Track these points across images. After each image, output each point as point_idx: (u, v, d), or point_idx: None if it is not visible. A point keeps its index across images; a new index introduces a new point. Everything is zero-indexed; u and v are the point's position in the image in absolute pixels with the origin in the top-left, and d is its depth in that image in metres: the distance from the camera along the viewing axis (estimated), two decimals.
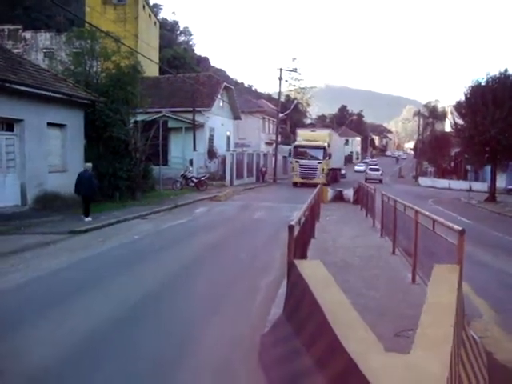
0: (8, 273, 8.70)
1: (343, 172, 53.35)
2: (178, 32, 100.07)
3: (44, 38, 53.51)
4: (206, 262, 10.14)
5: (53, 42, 51.29)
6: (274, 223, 15.31)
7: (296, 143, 40.32)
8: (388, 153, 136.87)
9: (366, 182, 50.95)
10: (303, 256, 7.96)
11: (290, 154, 41.27)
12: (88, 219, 14.92)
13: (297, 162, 38.34)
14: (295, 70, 62.21)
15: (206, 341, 5.66)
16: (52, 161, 18.38)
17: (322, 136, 40.37)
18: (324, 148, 38.19)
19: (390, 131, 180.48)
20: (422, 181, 58.40)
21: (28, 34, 54.09)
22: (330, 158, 38.72)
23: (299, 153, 38.70)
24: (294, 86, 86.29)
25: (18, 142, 16.64)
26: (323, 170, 37.74)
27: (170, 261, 10.07)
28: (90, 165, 16.25)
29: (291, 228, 5.35)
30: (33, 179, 17.04)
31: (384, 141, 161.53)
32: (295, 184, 38.20)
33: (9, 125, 16.39)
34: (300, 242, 7.44)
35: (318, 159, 37.92)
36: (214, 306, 6.94)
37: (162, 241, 12.53)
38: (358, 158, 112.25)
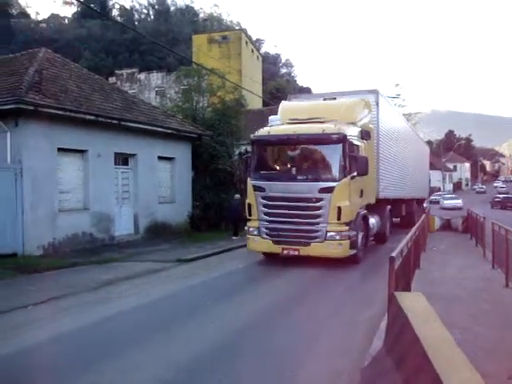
0: (122, 297, 9.38)
1: (425, 205, 29.38)
2: (281, 64, 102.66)
3: (156, 78, 57.78)
4: (309, 291, 10.10)
5: (163, 81, 55.18)
6: (376, 253, 14.89)
7: (259, 133, 13.32)
8: (501, 178, 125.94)
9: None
10: (407, 288, 7.70)
11: (246, 166, 13.94)
12: (236, 238, 17.87)
13: (258, 190, 12.81)
14: (398, 96, 60.81)
15: (305, 372, 5.63)
16: (162, 192, 19.55)
17: (340, 108, 14.08)
18: (343, 140, 12.11)
19: (502, 155, 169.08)
20: None
21: (142, 76, 58.78)
22: (363, 172, 12.60)
23: (264, 163, 13.62)
24: (398, 111, 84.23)
25: (132, 175, 17.98)
26: (339, 212, 11.96)
27: (270, 290, 10.18)
28: (238, 196, 18.92)
29: (392, 260, 5.24)
30: (145, 209, 18.23)
31: (496, 165, 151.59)
32: (269, 256, 13.43)
33: (124, 159, 17.79)
34: (403, 274, 7.23)
35: (318, 178, 12.35)
36: (314, 337, 6.90)
37: (264, 270, 12.70)
38: (467, 185, 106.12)
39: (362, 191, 13.30)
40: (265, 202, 12.74)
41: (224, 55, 56.12)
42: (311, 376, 5.57)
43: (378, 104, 15.39)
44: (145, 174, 18.33)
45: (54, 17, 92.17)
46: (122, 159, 17.71)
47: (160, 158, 19.35)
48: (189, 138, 20.91)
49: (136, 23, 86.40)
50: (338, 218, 12.00)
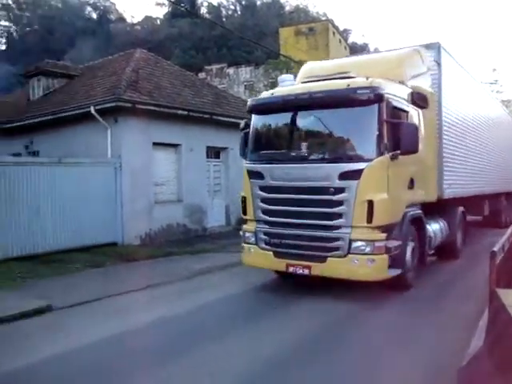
0: (214, 286, 9.68)
1: None
2: None
3: (244, 72, 58.77)
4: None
5: (252, 75, 55.97)
6: (473, 248, 14.06)
7: (262, 97, 9.25)
8: None
9: None
10: (509, 285, 7.19)
11: (244, 145, 9.31)
12: None
13: (255, 178, 8.71)
14: (496, 82, 57.03)
15: (394, 372, 5.38)
16: None
17: (380, 61, 9.97)
18: (378, 99, 7.58)
19: None
20: None
21: (231, 70, 60.08)
22: (410, 148, 7.81)
23: (265, 139, 9.23)
24: (496, 98, 78.97)
25: (223, 167, 18.39)
26: (370, 209, 7.52)
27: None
28: None
29: (493, 254, 4.87)
30: (235, 201, 18.42)
31: None
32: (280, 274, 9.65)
33: (216, 152, 18.23)
34: (505, 269, 6.76)
35: (338, 157, 7.92)
36: (407, 334, 6.66)
37: None
38: None
39: (412, 181, 8.66)
40: (263, 194, 8.63)
41: (311, 47, 55.82)
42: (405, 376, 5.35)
43: (440, 64, 10.52)
44: (236, 166, 18.60)
45: (147, 19, 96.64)
46: (214, 152, 18.15)
47: None
48: None
49: (224, 19, 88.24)
50: (369, 220, 7.61)
